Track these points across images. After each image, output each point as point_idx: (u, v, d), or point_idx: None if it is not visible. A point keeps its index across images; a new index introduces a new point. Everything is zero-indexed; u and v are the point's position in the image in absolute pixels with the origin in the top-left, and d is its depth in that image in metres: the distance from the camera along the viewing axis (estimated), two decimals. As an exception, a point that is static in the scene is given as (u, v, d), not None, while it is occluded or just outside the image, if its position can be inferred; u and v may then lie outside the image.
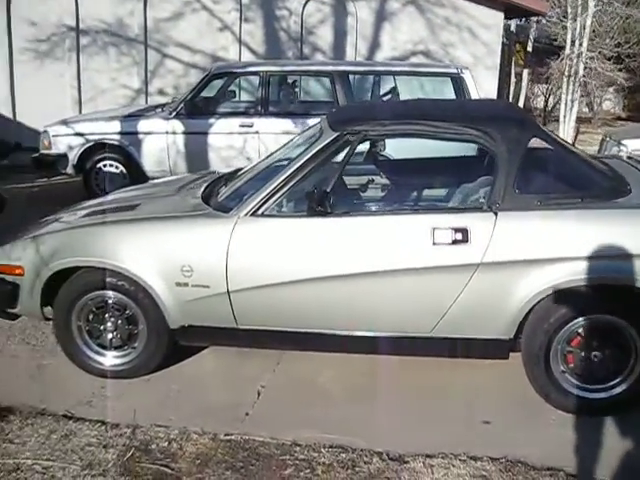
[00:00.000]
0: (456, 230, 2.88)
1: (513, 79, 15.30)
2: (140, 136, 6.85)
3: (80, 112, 9.19)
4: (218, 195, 3.45)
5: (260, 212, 3.09)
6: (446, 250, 2.89)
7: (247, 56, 9.68)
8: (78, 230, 3.36)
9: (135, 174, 6.96)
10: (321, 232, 3.04)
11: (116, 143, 6.90)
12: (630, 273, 2.76)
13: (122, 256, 3.21)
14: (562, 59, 11.72)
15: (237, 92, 7.79)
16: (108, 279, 3.27)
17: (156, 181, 4.69)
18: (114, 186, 6.99)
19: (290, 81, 7.22)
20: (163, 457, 2.78)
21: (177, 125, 6.80)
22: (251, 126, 6.74)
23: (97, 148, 6.96)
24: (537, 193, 2.92)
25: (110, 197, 4.21)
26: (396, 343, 3.10)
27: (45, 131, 7.07)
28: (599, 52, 11.09)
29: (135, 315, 3.34)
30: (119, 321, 3.40)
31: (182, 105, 6.81)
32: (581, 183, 3.00)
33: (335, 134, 3.09)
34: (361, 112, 3.58)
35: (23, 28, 8.96)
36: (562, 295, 2.83)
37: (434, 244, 2.90)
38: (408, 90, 6.89)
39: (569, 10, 11.48)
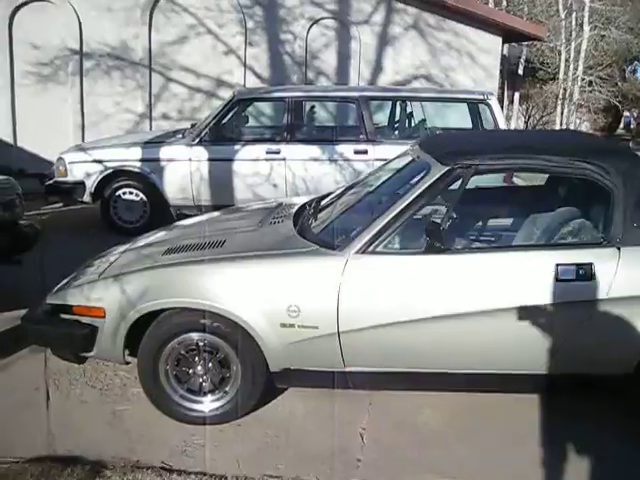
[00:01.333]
0: (580, 266, 2.83)
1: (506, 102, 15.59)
2: (162, 163, 6.68)
3: (83, 137, 8.96)
4: (313, 229, 3.33)
5: (371, 249, 2.99)
6: (570, 286, 2.84)
7: (252, 80, 9.59)
8: (170, 269, 3.19)
9: (156, 202, 6.79)
10: (438, 269, 2.95)
11: (137, 170, 6.72)
12: None
13: (222, 296, 3.07)
14: (557, 82, 11.97)
15: (261, 118, 7.68)
16: (203, 321, 3.12)
17: (213, 215, 4.51)
18: (134, 215, 6.82)
19: (316, 107, 7.16)
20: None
21: (201, 152, 6.65)
22: (278, 152, 6.64)
23: (116, 175, 6.76)
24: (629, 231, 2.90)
25: (175, 232, 4.04)
26: (512, 380, 3.03)
27: (60, 158, 6.84)
28: (596, 76, 11.36)
29: (228, 358, 3.19)
30: (210, 364, 3.24)
31: (206, 131, 6.67)
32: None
33: (446, 168, 3.02)
34: (466, 144, 3.51)
35: (25, 51, 8.70)
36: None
37: (557, 280, 2.84)
38: (436, 116, 6.90)
39: (563, 34, 11.75)
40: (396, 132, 7.12)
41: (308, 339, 3.02)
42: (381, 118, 7.20)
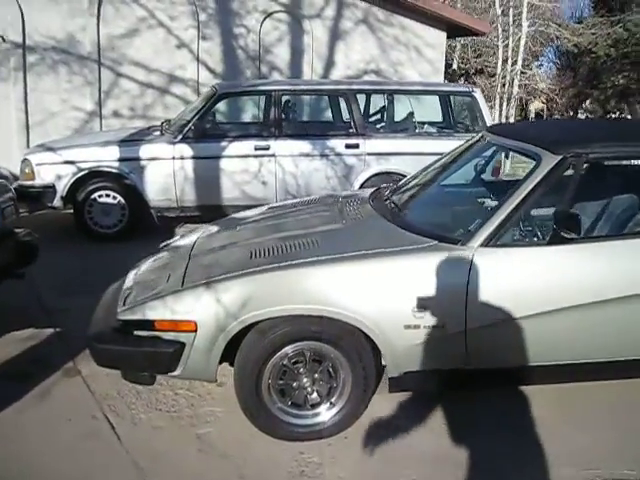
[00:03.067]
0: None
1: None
2: (143, 162, 6.21)
3: (28, 137, 8.18)
4: (415, 222, 3.15)
5: (493, 242, 2.86)
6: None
7: (205, 75, 9.16)
8: (277, 273, 2.89)
9: (135, 205, 6.31)
10: (563, 259, 2.87)
11: (115, 171, 6.20)
12: None
13: (340, 300, 2.82)
14: (496, 78, 12.35)
15: (247, 113, 7.33)
16: (314, 328, 2.87)
17: (261, 214, 4.14)
18: (111, 219, 6.33)
19: (303, 101, 6.92)
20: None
21: (185, 149, 6.25)
22: (267, 149, 6.36)
23: (91, 177, 6.21)
24: None
25: (240, 232, 3.67)
26: (621, 367, 3.00)
27: (26, 159, 6.20)
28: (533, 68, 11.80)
29: (336, 366, 2.95)
30: (317, 375, 2.99)
31: (190, 128, 6.26)
32: None
33: (559, 157, 2.94)
34: (569, 133, 3.45)
35: (-39, 45, 7.83)
36: None
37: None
38: (422, 109, 6.88)
39: (500, 30, 12.13)
40: (386, 125, 7.02)
41: (433, 340, 2.85)
42: (370, 112, 7.08)
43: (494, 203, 3.18)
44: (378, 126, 6.98)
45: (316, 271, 2.88)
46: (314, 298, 2.84)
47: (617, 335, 2.95)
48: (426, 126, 6.91)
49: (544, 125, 3.78)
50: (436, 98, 6.89)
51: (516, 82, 11.89)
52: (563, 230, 2.78)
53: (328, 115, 6.99)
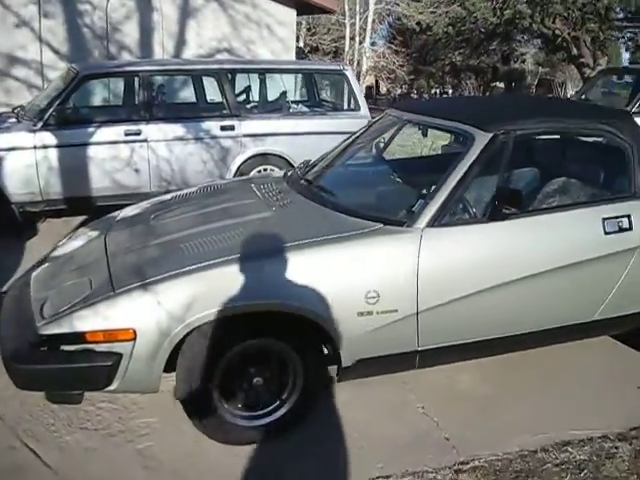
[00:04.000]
0: (621, 218, 3.08)
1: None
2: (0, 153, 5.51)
3: None
4: (352, 205, 3.07)
5: (437, 223, 2.87)
6: (614, 238, 3.08)
7: (49, 56, 8.31)
8: (222, 270, 2.67)
9: (-10, 200, 5.60)
10: (503, 235, 2.95)
11: (-36, 165, 5.43)
12: None
13: (291, 293, 2.69)
14: (344, 55, 12.52)
15: (113, 96, 6.72)
16: (265, 324, 2.72)
17: (167, 200, 3.81)
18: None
19: (174, 82, 6.51)
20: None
21: (47, 137, 5.61)
22: (138, 134, 5.92)
23: None
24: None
25: (159, 224, 3.34)
26: (559, 333, 3.19)
27: None
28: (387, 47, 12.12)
29: (287, 362, 2.83)
30: (267, 373, 2.85)
31: (51, 113, 5.65)
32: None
33: (490, 135, 3.01)
34: (495, 111, 3.51)
35: None
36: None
37: (606, 234, 3.06)
38: (294, 87, 6.79)
39: (347, 8, 12.28)
40: (260, 106, 6.84)
41: (386, 325, 2.82)
42: (243, 92, 6.85)
43: (424, 181, 3.20)
44: (252, 107, 6.79)
45: (264, 264, 2.71)
46: (264, 292, 2.68)
47: (559, 303, 3.11)
48: (300, 105, 6.83)
49: (461, 103, 3.86)
50: (307, 77, 6.84)
51: (364, 60, 12.20)
52: (504, 206, 2.86)
53: (201, 96, 6.67)
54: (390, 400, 3.22)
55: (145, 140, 5.95)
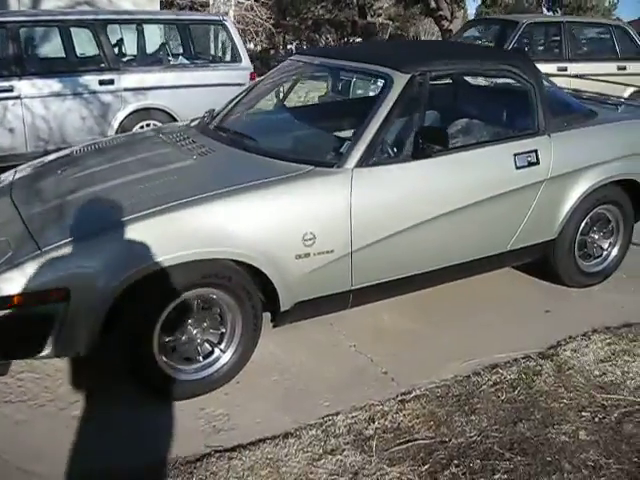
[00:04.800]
0: (530, 153, 3.29)
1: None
2: None
3: None
4: (276, 149, 3.04)
5: (366, 163, 2.91)
6: (524, 172, 3.28)
7: None
8: (158, 219, 2.53)
9: None
10: (427, 172, 3.04)
11: None
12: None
13: (230, 239, 2.63)
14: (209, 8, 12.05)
15: None
16: (204, 273, 2.64)
17: (69, 154, 3.53)
18: None
19: (46, 34, 5.96)
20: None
21: None
22: (10, 90, 5.42)
23: None
24: (559, 116, 3.50)
25: (57, 177, 3.11)
26: (476, 265, 3.37)
27: None
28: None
29: (224, 310, 2.78)
30: (205, 324, 2.78)
31: None
32: (569, 108, 3.70)
33: (408, 76, 3.07)
34: (409, 53, 3.52)
35: None
36: (601, 193, 3.55)
37: (517, 168, 3.26)
38: (174, 39, 6.49)
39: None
40: (139, 58, 6.47)
41: (322, 266, 2.83)
42: (120, 44, 6.42)
43: (344, 124, 3.22)
44: (131, 60, 6.41)
45: (202, 211, 2.61)
46: (203, 240, 2.60)
47: (477, 236, 3.29)
48: (180, 58, 6.56)
49: (370, 48, 3.86)
50: (186, 28, 6.56)
51: (231, 13, 11.86)
52: (429, 144, 2.95)
53: (77, 49, 6.17)
54: (320, 341, 3.26)
55: (18, 97, 5.47)
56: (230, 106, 3.74)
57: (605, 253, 3.83)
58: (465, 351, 3.18)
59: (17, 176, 3.33)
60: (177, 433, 2.58)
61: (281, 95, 3.74)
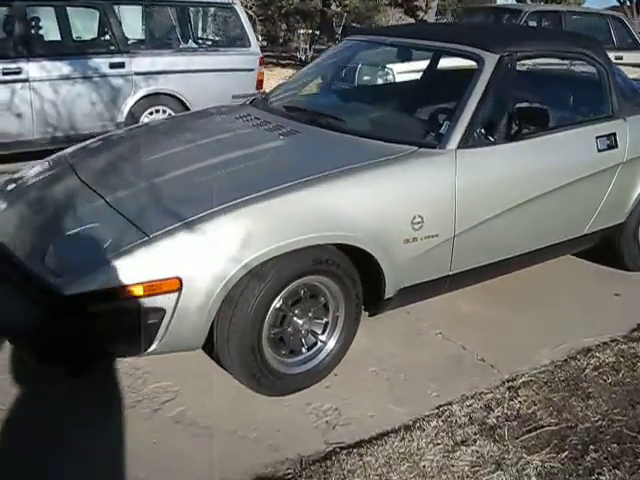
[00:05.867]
0: (609, 137, 3.26)
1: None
2: None
3: None
4: (369, 129, 2.93)
5: (465, 144, 2.81)
6: (605, 155, 3.25)
7: None
8: (271, 202, 2.36)
9: None
10: (524, 154, 2.98)
11: None
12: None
13: (345, 224, 2.50)
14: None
15: None
16: (315, 259, 2.49)
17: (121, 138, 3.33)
18: None
19: (54, 13, 5.62)
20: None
21: None
22: (18, 72, 5.10)
23: None
24: (630, 100, 3.49)
25: (136, 158, 2.91)
26: (557, 248, 3.34)
27: None
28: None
29: (329, 299, 2.64)
30: (311, 313, 2.64)
31: None
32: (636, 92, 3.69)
33: (497, 56, 2.99)
34: (493, 34, 3.44)
35: None
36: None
37: (599, 151, 3.22)
38: (183, 21, 6.25)
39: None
40: (149, 41, 6.20)
41: (427, 250, 2.73)
42: (132, 26, 6.14)
43: (434, 104, 3.13)
44: (141, 42, 6.14)
45: (315, 193, 2.47)
46: (318, 224, 2.45)
47: (564, 218, 3.27)
48: (190, 41, 6.32)
49: (459, 28, 3.71)
50: (195, 10, 6.34)
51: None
52: (526, 125, 2.87)
53: (87, 30, 5.87)
54: (404, 330, 3.16)
55: (27, 80, 5.14)
56: (291, 86, 3.59)
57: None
58: (551, 336, 3.13)
59: (74, 159, 3.10)
60: (291, 430, 2.44)
61: (349, 75, 3.60)
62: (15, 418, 2.40)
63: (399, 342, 3.06)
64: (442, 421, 2.49)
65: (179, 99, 6.02)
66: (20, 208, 2.72)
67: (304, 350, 2.64)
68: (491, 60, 2.97)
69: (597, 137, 3.22)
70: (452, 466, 2.25)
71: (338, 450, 2.34)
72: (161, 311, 2.23)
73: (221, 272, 2.26)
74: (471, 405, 2.60)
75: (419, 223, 2.65)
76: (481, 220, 2.85)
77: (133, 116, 5.80)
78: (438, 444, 2.35)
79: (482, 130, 2.93)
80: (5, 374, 2.61)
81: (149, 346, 2.29)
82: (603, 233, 3.50)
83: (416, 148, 2.74)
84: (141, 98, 5.81)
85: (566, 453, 2.32)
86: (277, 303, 2.46)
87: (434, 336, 3.14)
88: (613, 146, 3.28)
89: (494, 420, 2.50)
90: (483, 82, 2.91)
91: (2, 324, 2.30)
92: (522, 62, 3.17)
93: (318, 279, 2.55)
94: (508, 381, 2.77)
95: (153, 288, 2.20)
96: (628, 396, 2.66)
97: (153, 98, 5.91)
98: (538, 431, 2.43)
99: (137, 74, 5.72)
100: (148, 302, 2.21)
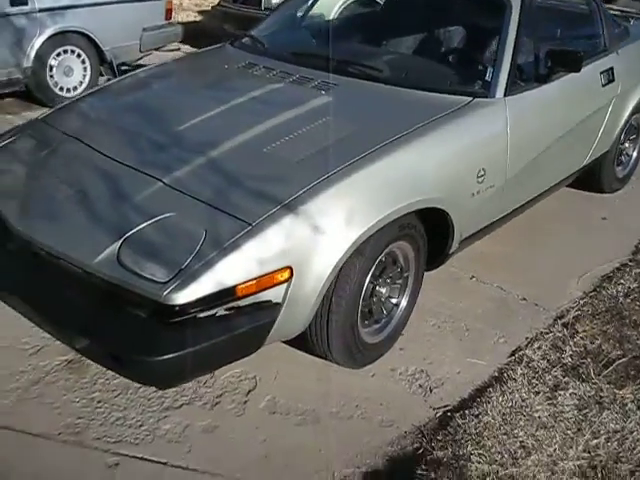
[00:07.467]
0: (609, 71, 3.38)
1: None
2: None
3: None
4: (426, 81, 2.79)
5: (509, 90, 2.77)
6: (606, 89, 3.38)
7: None
8: (361, 174, 2.20)
9: None
10: (555, 95, 3.01)
11: None
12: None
13: (428, 185, 2.42)
14: None
15: None
16: (401, 225, 2.40)
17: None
18: None
19: None
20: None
21: None
22: None
23: None
24: (614, 33, 3.60)
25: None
26: (565, 181, 3.49)
27: None
28: None
29: (403, 262, 2.58)
30: (389, 279, 2.56)
31: None
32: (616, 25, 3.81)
33: (521, -1, 2.94)
34: None
35: None
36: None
37: (602, 86, 3.33)
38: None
39: None
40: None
41: (485, 200, 2.73)
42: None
43: (469, 50, 3.07)
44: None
45: (399, 158, 2.34)
46: (409, 191, 2.35)
47: (577, 152, 3.43)
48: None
49: None
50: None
51: None
52: (560, 67, 2.89)
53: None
54: (441, 278, 3.12)
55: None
56: (279, 21, 3.34)
57: (632, 159, 4.13)
58: (570, 267, 3.31)
59: (71, 128, 2.67)
60: (392, 401, 2.41)
61: (359, 16, 3.36)
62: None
63: (442, 290, 3.07)
64: (525, 367, 2.57)
65: (88, 36, 5.35)
66: (41, 198, 2.31)
67: (384, 316, 2.57)
68: (516, 2, 2.91)
69: (600, 72, 3.32)
70: (562, 412, 2.34)
71: (450, 414, 2.35)
72: (275, 305, 2.05)
73: (331, 254, 2.10)
74: (540, 347, 2.70)
75: (482, 176, 2.62)
76: (525, 163, 2.88)
77: (40, 60, 5.10)
78: (537, 392, 2.43)
79: (520, 74, 2.90)
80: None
81: (262, 344, 2.11)
82: (595, 162, 3.67)
83: (471, 99, 2.66)
84: (48, 38, 5.09)
85: (649, 382, 2.50)
86: (369, 276, 2.35)
87: (469, 280, 3.19)
88: (612, 80, 3.41)
89: (570, 360, 2.62)
90: (514, 25, 2.86)
91: (98, 355, 2.00)
92: (538, 2, 3.11)
93: (398, 244, 2.47)
94: (559, 318, 2.91)
95: (267, 281, 2.01)
96: (671, 319, 2.90)
97: (60, 38, 5.21)
98: (614, 365, 2.58)
99: (42, 11, 4.98)
100: (262, 297, 2.02)
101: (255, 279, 1.97)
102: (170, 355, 1.87)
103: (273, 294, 2.03)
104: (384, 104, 2.66)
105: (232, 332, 1.97)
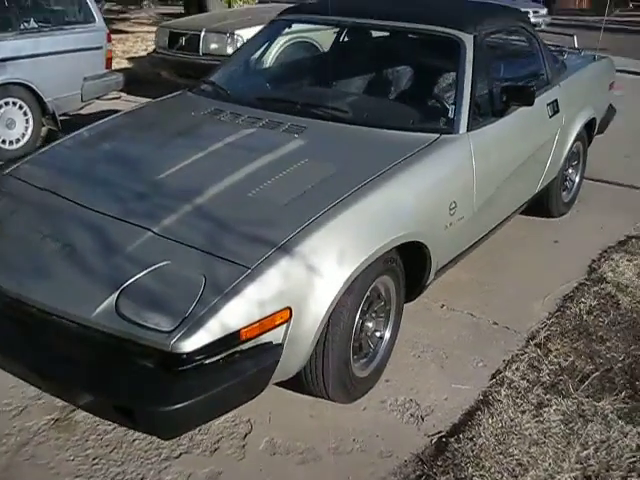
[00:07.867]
0: (554, 103, 3.62)
1: None
2: None
3: None
4: (391, 120, 2.91)
5: (470, 126, 2.93)
6: (553, 120, 3.61)
7: None
8: (346, 215, 2.28)
9: None
10: (511, 128, 3.18)
11: None
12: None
13: (410, 221, 2.53)
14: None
15: None
16: (386, 259, 2.49)
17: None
18: None
19: None
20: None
21: None
22: None
23: None
24: (554, 66, 3.86)
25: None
26: (518, 210, 3.66)
27: None
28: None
29: (385, 295, 2.67)
30: (374, 312, 2.64)
31: None
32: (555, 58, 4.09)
33: (472, 36, 3.12)
34: (457, 12, 3.45)
35: None
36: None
37: (549, 117, 3.57)
38: None
39: None
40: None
41: (456, 232, 2.86)
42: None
43: (426, 89, 3.22)
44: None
45: (380, 196, 2.44)
46: (393, 227, 2.46)
47: (529, 181, 3.63)
48: (32, 21, 5.50)
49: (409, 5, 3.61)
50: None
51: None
52: (515, 102, 3.08)
53: None
54: (412, 309, 3.18)
55: None
56: (236, 69, 3.43)
57: (575, 184, 4.41)
58: (532, 289, 3.47)
59: (43, 181, 2.65)
60: (387, 432, 2.47)
61: (315, 59, 3.48)
62: None
63: (417, 321, 3.15)
64: (508, 389, 2.68)
65: (31, 88, 5.29)
66: (25, 255, 2.28)
67: (371, 350, 2.64)
68: (469, 40, 3.10)
69: (547, 105, 3.55)
70: (550, 428, 2.45)
71: (445, 440, 2.42)
72: (277, 346, 2.09)
73: (326, 293, 2.16)
74: (518, 368, 2.82)
75: (453, 208, 2.76)
76: (489, 194, 3.03)
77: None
78: (524, 411, 2.54)
79: (478, 110, 3.07)
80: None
81: (266, 385, 2.14)
82: (544, 189, 3.89)
83: (438, 135, 2.80)
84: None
85: (624, 393, 2.65)
86: (359, 312, 2.41)
87: (440, 309, 3.30)
88: (557, 111, 3.64)
89: (548, 378, 2.75)
90: (470, 62, 3.03)
91: (103, 409, 1.98)
92: (487, 40, 3.31)
93: (382, 279, 2.55)
94: (531, 339, 3.04)
95: (268, 323, 2.05)
96: (631, 332, 3.08)
97: (2, 90, 5.14)
98: (589, 380, 2.73)
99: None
100: (264, 339, 2.06)
101: (257, 322, 2.01)
102: (182, 404, 1.87)
103: (274, 335, 2.07)
104: (357, 144, 2.77)
105: (239, 376, 1.99)
